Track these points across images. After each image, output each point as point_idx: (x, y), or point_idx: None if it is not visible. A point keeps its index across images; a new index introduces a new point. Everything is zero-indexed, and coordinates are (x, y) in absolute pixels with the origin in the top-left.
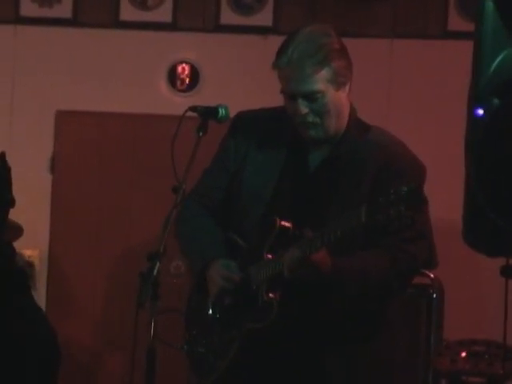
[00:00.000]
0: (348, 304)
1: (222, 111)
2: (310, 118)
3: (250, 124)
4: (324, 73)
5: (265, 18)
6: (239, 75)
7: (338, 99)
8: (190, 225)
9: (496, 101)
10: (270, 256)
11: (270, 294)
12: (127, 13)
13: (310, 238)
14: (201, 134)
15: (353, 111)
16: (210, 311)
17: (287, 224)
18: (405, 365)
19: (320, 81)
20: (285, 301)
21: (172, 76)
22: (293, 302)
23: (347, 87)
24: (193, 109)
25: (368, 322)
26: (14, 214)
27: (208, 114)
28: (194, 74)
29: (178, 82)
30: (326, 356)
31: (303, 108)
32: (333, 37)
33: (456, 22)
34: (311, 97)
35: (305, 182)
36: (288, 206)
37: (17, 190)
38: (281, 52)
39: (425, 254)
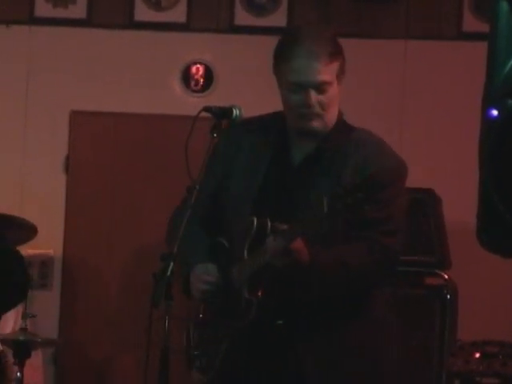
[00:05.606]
0: (326, 296)
1: (235, 112)
2: (316, 110)
3: (238, 131)
4: (335, 65)
5: (279, 18)
6: (253, 76)
7: (337, 94)
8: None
9: (510, 102)
10: (249, 255)
11: (252, 293)
12: (141, 13)
13: (283, 229)
14: (215, 134)
15: (339, 112)
16: (201, 315)
17: (264, 222)
18: (418, 365)
19: (332, 72)
20: (267, 297)
21: (186, 76)
22: (274, 298)
23: (341, 84)
24: (207, 109)
25: (344, 316)
26: (28, 214)
27: (222, 114)
28: (208, 75)
29: (192, 83)
30: (303, 352)
31: (313, 98)
32: (335, 34)
33: (470, 23)
34: (322, 88)
35: (288, 178)
36: (273, 204)
37: (31, 190)
38: (292, 44)
39: (401, 247)
